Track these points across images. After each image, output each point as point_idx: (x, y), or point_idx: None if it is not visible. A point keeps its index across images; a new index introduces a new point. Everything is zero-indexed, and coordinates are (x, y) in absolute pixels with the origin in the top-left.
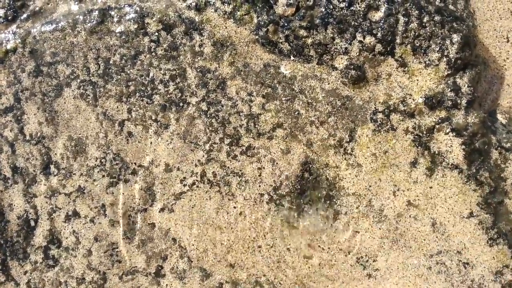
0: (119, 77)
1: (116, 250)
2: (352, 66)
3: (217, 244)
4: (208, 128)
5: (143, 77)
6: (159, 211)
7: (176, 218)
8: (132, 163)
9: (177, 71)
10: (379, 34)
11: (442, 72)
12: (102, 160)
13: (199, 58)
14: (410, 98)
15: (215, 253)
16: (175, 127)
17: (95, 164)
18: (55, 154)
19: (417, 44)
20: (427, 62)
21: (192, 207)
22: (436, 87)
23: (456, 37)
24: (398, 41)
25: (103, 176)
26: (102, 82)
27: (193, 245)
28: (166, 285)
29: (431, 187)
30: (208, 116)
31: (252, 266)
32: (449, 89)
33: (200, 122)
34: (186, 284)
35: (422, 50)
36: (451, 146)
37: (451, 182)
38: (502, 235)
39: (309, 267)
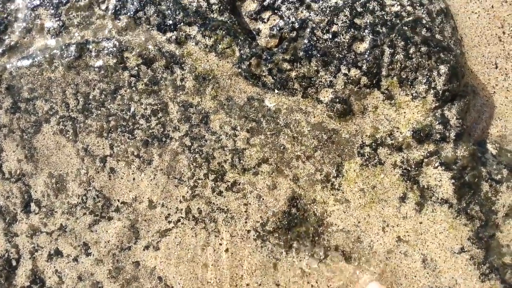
0: (99, 112)
1: None
2: (337, 99)
3: (204, 283)
4: (192, 164)
5: (124, 112)
6: (144, 249)
7: (161, 256)
8: (115, 200)
9: (159, 106)
10: (364, 67)
11: (429, 104)
12: (84, 198)
13: (181, 92)
14: (397, 131)
15: None
16: (158, 162)
17: (77, 202)
18: (36, 191)
19: (403, 76)
20: (414, 94)
21: (177, 245)
22: (424, 119)
23: (443, 69)
24: (384, 73)
25: (85, 214)
26: (82, 118)
27: (179, 283)
28: None
29: (421, 223)
30: (191, 151)
31: None
32: (437, 122)
33: (184, 158)
34: None
35: (409, 82)
36: (440, 180)
37: (441, 217)
38: (494, 269)
39: None
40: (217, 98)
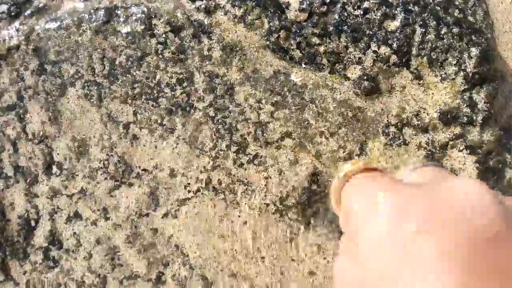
0: (124, 78)
1: (118, 254)
2: (365, 77)
3: (220, 253)
4: (215, 135)
5: (149, 80)
6: (162, 217)
7: (179, 225)
8: (136, 167)
9: (185, 75)
10: (394, 45)
11: (458, 87)
12: (106, 163)
13: (207, 62)
14: (424, 112)
15: (218, 262)
16: (181, 132)
17: (98, 166)
18: (58, 154)
19: (433, 57)
20: (443, 76)
21: (196, 214)
22: (452, 102)
23: (474, 51)
24: (414, 52)
25: (106, 178)
26: (107, 83)
27: (195, 252)
28: None
29: None
30: (215, 122)
31: (255, 276)
32: (465, 105)
33: (207, 128)
34: None
35: (439, 63)
36: (464, 163)
37: None
38: None
39: (313, 281)
40: (243, 70)
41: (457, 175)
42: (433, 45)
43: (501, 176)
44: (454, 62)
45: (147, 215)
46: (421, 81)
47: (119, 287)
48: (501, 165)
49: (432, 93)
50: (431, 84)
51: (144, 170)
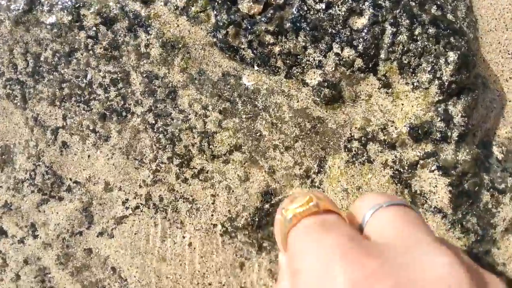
0: (51, 77)
1: (48, 276)
2: (326, 83)
3: (161, 277)
4: (155, 145)
5: (79, 79)
6: (97, 236)
7: (116, 245)
8: (67, 179)
9: (119, 75)
10: (360, 46)
11: (432, 97)
12: (32, 173)
13: (145, 61)
14: (392, 125)
15: (159, 287)
16: (116, 140)
17: (24, 177)
18: None
19: (405, 61)
20: (415, 84)
21: (134, 234)
22: (424, 114)
23: (452, 56)
24: (382, 56)
25: (33, 191)
26: (31, 82)
27: (134, 276)
28: None
29: None
30: (155, 130)
31: None
32: (439, 118)
33: (146, 137)
34: None
35: (411, 69)
36: (435, 186)
37: (432, 228)
38: None
39: None
40: (187, 70)
41: (426, 200)
42: (405, 48)
43: (476, 200)
44: (429, 69)
45: (80, 233)
46: (390, 90)
47: None
48: (477, 188)
49: (402, 104)
50: (401, 94)
51: (76, 182)
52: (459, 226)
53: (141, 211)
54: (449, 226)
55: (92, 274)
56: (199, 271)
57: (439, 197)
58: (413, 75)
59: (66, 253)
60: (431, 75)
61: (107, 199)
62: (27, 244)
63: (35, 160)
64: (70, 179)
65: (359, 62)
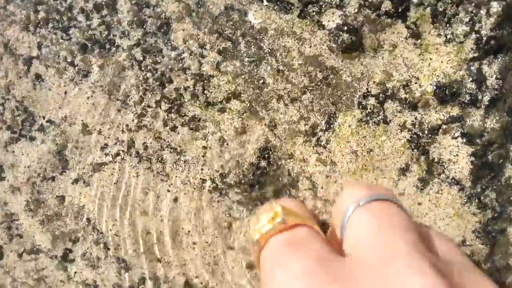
0: None
1: (16, 223)
2: (345, 27)
3: (142, 233)
4: (142, 85)
5: (58, 1)
6: (72, 183)
7: (93, 194)
8: (39, 117)
9: (104, 0)
10: None
11: (465, 53)
12: (0, 108)
13: None
14: (416, 83)
15: (138, 243)
16: (97, 76)
17: None
18: None
19: (440, 9)
20: (448, 37)
21: (114, 183)
22: (454, 72)
23: (495, 7)
24: (415, 0)
25: (1, 128)
26: (1, 1)
27: (111, 230)
28: (75, 272)
29: (419, 203)
30: (142, 68)
31: (183, 264)
32: (471, 79)
33: (132, 75)
34: (100, 274)
35: (446, 19)
36: (456, 155)
37: (446, 200)
38: (494, 271)
39: (250, 276)
40: (184, 0)
41: (444, 170)
42: None
43: (499, 174)
44: (466, 20)
45: (52, 178)
46: (419, 41)
47: (18, 260)
48: (501, 160)
49: (430, 59)
50: (431, 46)
51: (50, 121)
52: (476, 200)
53: (122, 158)
54: (465, 200)
55: (65, 224)
56: (183, 228)
57: (458, 168)
58: (447, 25)
59: (36, 199)
60: (468, 28)
61: (85, 143)
62: None
63: (3, 93)
64: (43, 118)
65: (387, 5)
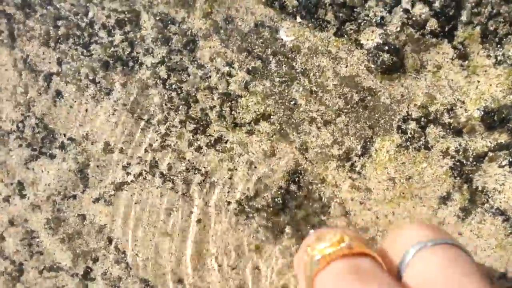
0: (44, 11)
1: (37, 240)
2: (386, 47)
3: (164, 254)
4: (166, 104)
5: (78, 17)
6: (93, 202)
7: (115, 214)
8: (60, 134)
9: (127, 15)
10: (437, 3)
11: None
12: (20, 125)
13: (160, 0)
14: (461, 107)
15: (160, 264)
16: (120, 94)
17: (11, 129)
18: None
19: (491, 28)
20: (499, 58)
21: (136, 203)
22: (504, 97)
23: None
24: (463, 18)
25: (21, 145)
26: (21, 16)
27: (133, 250)
28: None
29: (460, 234)
30: (167, 87)
31: (207, 286)
32: None
33: (156, 93)
34: None
35: (497, 39)
36: (503, 184)
37: (489, 231)
38: None
39: None
40: (212, 16)
41: (488, 200)
42: (494, 10)
43: None
44: None
45: (73, 197)
46: (466, 62)
47: (38, 277)
48: None
49: (478, 81)
50: (479, 68)
51: (71, 139)
52: None
53: (145, 178)
54: (510, 231)
55: (85, 242)
56: (207, 250)
57: (504, 198)
58: (498, 46)
59: (56, 217)
60: None
61: (106, 162)
62: (12, 203)
63: (23, 109)
64: (64, 135)
65: (432, 23)
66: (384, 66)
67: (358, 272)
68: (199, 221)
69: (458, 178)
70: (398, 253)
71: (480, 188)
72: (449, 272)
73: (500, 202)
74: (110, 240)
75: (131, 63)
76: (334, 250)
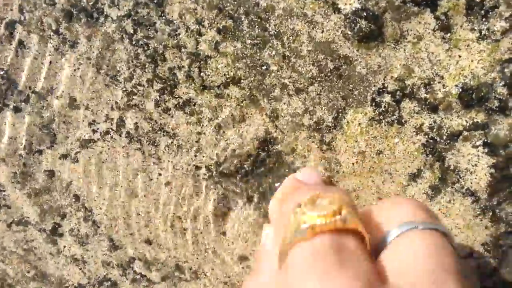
0: None
1: (3, 193)
2: (364, 13)
3: (131, 214)
4: (132, 61)
5: None
6: (60, 158)
7: (82, 171)
8: (25, 87)
9: None
10: None
11: (501, 54)
12: None
13: None
14: (439, 82)
15: (128, 224)
16: (85, 47)
17: None
18: None
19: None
20: (483, 32)
21: (103, 162)
22: (485, 74)
23: None
24: None
25: None
26: None
27: (100, 208)
28: (64, 246)
29: None
30: (133, 42)
31: (174, 248)
32: (502, 83)
33: (122, 49)
34: (89, 251)
35: (482, 12)
36: (475, 165)
37: (458, 211)
38: (501, 285)
39: (242, 268)
40: None
41: (459, 179)
42: None
43: None
44: (507, 15)
45: (39, 152)
46: (448, 35)
47: (6, 230)
48: None
49: (459, 56)
50: (462, 42)
51: (35, 93)
52: (490, 213)
53: (112, 137)
54: (478, 213)
55: (53, 198)
56: (174, 214)
57: (475, 178)
58: (483, 19)
59: (23, 172)
60: (508, 24)
61: (72, 118)
62: None
63: None
64: (29, 88)
65: None
66: (361, 34)
67: (340, 252)
68: (167, 183)
69: (430, 155)
70: (385, 227)
71: (452, 167)
72: (431, 264)
73: (471, 183)
74: (77, 198)
75: (95, 15)
76: (327, 222)
